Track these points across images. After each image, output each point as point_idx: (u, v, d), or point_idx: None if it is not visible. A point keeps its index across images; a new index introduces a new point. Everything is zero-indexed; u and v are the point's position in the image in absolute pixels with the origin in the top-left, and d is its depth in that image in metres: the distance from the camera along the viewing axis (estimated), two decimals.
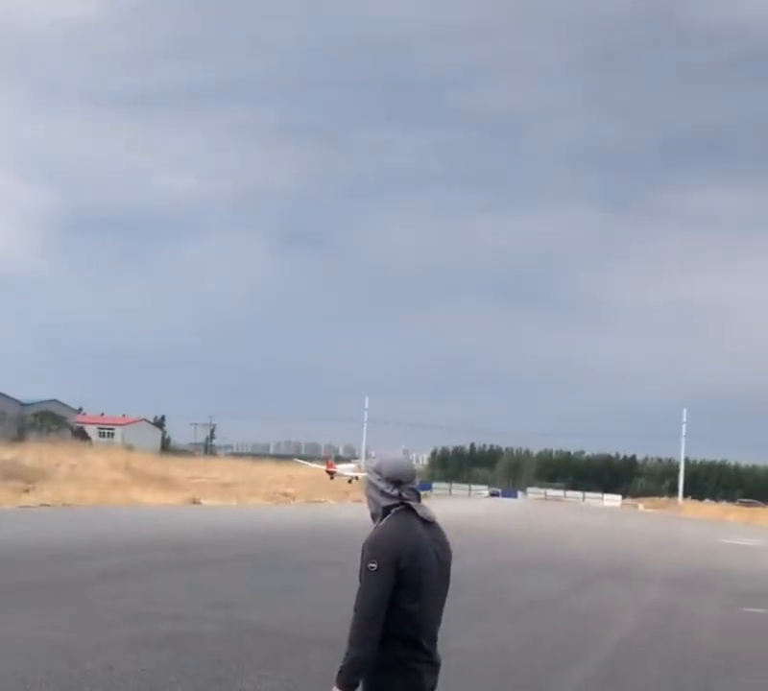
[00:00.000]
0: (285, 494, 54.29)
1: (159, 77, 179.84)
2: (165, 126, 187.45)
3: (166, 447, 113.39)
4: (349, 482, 76.56)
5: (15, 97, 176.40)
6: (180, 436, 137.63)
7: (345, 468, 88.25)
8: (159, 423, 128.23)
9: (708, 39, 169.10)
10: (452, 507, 52.07)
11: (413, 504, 4.28)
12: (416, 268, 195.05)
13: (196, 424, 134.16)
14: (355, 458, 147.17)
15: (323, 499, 54.93)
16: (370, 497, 4.36)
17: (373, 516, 4.35)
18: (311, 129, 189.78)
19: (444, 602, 4.34)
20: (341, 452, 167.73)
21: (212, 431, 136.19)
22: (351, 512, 42.25)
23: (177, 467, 63.26)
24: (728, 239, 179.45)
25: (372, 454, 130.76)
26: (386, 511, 4.29)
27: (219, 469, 72.71)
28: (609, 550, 31.21)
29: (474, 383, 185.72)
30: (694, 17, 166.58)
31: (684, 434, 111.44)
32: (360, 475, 71.72)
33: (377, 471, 4.36)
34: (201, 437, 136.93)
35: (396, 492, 4.28)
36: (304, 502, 52.02)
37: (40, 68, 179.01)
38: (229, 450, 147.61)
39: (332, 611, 11.86)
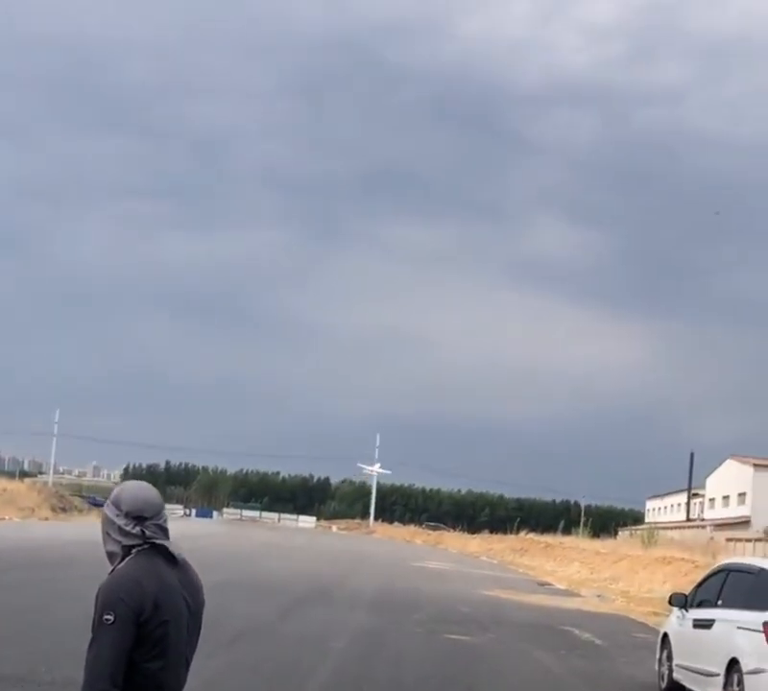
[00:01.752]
0: None
1: None
2: None
3: None
4: None
5: None
6: None
7: None
8: None
9: (404, 80, 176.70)
10: None
11: (160, 542, 3.68)
12: (110, 280, 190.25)
13: None
14: (41, 473, 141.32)
15: (6, 516, 52.15)
16: (106, 534, 3.71)
17: (110, 556, 3.70)
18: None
19: (192, 654, 3.77)
20: (26, 466, 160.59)
21: None
22: (41, 532, 40.29)
23: None
24: (417, 268, 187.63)
25: (61, 469, 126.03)
26: (126, 550, 3.66)
27: None
28: (308, 571, 31.19)
29: (169, 400, 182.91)
30: (396, 58, 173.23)
31: (376, 457, 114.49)
32: None
33: (116, 505, 3.71)
34: None
35: (137, 530, 3.66)
36: None
37: None
38: None
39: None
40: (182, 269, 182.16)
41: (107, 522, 3.73)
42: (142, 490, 3.81)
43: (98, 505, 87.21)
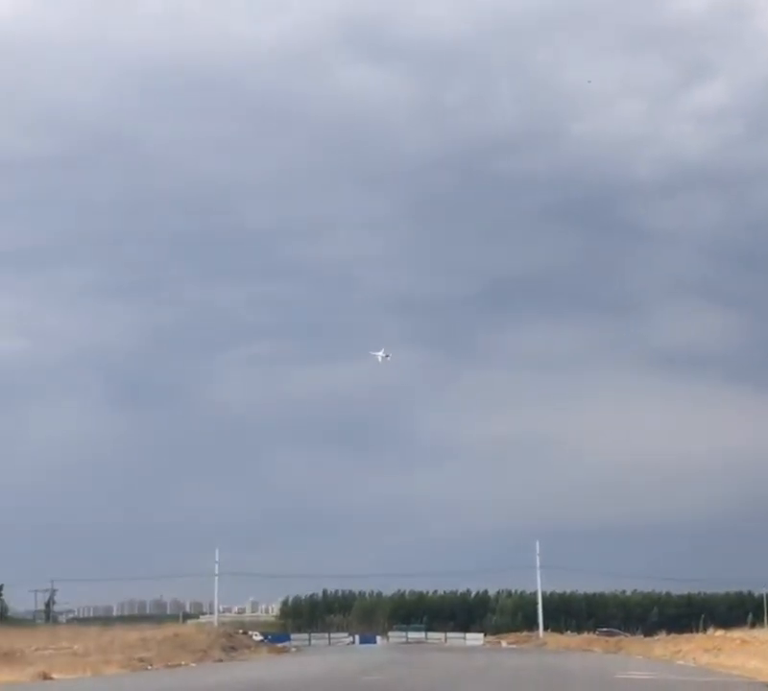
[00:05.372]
0: (141, 660, 51.25)
1: None
2: None
3: (3, 617, 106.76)
4: None
5: None
6: (20, 604, 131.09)
7: None
8: None
9: (520, 188, 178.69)
10: (318, 663, 49.74)
11: None
12: (252, 416, 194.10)
13: (36, 591, 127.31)
14: (203, 613, 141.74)
15: (182, 662, 52.12)
16: None
17: None
18: (137, 284, 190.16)
19: None
20: (188, 608, 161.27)
21: (52, 596, 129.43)
22: (221, 676, 39.91)
23: (20, 639, 59.05)
24: (553, 376, 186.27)
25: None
26: None
27: (67, 638, 68.07)
28: None
29: (319, 528, 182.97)
30: (507, 167, 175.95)
31: (538, 565, 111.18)
32: None
33: None
34: (41, 603, 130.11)
35: None
36: (163, 666, 49.04)
37: None
38: (71, 615, 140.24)
39: None
40: (317, 399, 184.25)
41: None
42: None
43: (278, 642, 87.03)
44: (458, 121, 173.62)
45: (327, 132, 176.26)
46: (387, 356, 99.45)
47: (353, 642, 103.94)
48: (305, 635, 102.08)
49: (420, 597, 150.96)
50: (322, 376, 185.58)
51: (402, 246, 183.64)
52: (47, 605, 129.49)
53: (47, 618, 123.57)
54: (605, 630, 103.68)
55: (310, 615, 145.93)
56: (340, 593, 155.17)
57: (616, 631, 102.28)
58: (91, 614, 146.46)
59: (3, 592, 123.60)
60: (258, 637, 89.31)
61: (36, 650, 53.54)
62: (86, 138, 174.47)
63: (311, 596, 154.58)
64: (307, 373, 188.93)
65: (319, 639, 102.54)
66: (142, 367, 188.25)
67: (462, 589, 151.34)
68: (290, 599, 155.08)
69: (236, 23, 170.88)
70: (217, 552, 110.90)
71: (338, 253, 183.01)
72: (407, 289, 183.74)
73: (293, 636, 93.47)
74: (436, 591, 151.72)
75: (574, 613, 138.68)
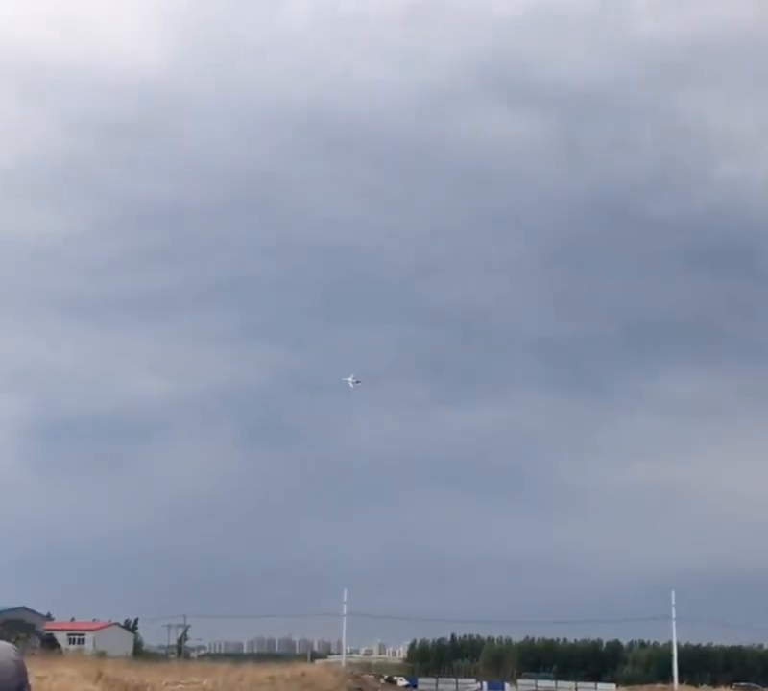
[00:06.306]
0: None
1: (125, 284, 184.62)
2: (134, 330, 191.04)
3: (139, 651, 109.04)
4: None
5: None
6: (152, 638, 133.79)
7: None
8: (131, 626, 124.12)
9: (661, 232, 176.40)
10: None
11: None
12: (385, 458, 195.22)
13: (169, 625, 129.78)
14: (331, 653, 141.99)
15: None
16: None
17: None
18: (274, 328, 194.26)
19: None
20: (316, 648, 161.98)
21: (185, 632, 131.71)
22: None
23: (152, 673, 60.27)
24: (692, 423, 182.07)
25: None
26: None
27: (197, 673, 69.16)
28: None
29: (448, 572, 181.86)
30: (647, 211, 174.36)
31: (674, 616, 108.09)
32: None
33: None
34: (173, 638, 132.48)
35: None
36: None
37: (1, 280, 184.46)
38: (203, 651, 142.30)
39: None
40: (451, 442, 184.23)
41: None
42: None
43: (413, 686, 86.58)
44: (598, 164, 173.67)
45: (466, 176, 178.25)
46: (357, 382, 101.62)
47: (481, 688, 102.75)
48: (432, 680, 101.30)
49: (550, 644, 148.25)
50: (456, 419, 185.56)
51: (541, 288, 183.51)
52: (180, 640, 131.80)
53: (179, 653, 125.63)
54: (743, 684, 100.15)
55: (437, 659, 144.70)
56: (468, 638, 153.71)
57: (755, 685, 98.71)
58: (222, 650, 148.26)
59: (138, 627, 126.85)
60: (404, 682, 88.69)
61: (167, 684, 54.45)
62: (234, 187, 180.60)
63: (439, 640, 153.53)
64: (441, 416, 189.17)
65: (446, 684, 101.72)
66: (277, 406, 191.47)
67: (593, 638, 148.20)
68: (417, 642, 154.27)
69: (377, 70, 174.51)
70: (345, 592, 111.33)
71: (474, 296, 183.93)
72: (544, 332, 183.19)
73: (420, 680, 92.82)
74: (566, 639, 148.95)
75: (710, 666, 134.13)
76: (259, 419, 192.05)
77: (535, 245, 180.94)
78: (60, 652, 79.27)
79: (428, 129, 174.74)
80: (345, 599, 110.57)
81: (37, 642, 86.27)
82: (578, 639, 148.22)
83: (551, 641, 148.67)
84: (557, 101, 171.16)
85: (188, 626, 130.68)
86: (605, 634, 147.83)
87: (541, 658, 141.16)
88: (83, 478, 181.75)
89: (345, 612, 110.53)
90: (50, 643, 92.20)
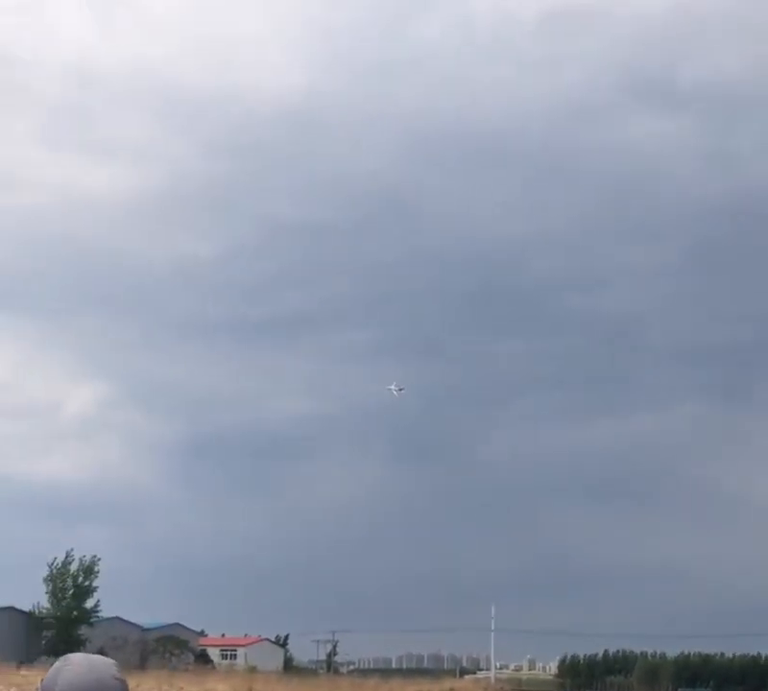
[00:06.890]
0: None
1: (268, 305, 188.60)
2: (277, 351, 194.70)
3: (289, 666, 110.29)
4: None
5: (132, 332, 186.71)
6: (302, 653, 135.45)
7: None
8: (282, 642, 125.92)
9: None
10: None
11: None
12: (531, 471, 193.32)
13: (319, 641, 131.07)
14: (480, 669, 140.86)
15: None
16: None
17: None
18: (417, 342, 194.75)
19: None
20: (464, 663, 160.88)
21: (334, 647, 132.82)
22: None
23: (302, 688, 60.85)
24: None
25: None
26: None
27: (347, 688, 69.67)
28: None
29: (598, 587, 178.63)
30: None
31: None
32: None
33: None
34: (323, 654, 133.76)
35: None
36: None
37: (151, 303, 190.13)
38: (352, 666, 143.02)
39: None
40: (599, 453, 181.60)
41: None
42: (78, 677, 2.88)
43: None
44: (746, 167, 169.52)
45: (611, 184, 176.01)
46: (401, 389, 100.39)
47: None
48: None
49: (707, 659, 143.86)
50: (603, 430, 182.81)
51: (688, 294, 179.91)
52: (329, 655, 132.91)
53: (328, 668, 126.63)
54: None
55: (589, 675, 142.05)
56: (620, 653, 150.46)
57: None
58: (371, 666, 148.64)
59: (288, 642, 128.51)
60: None
61: None
62: (376, 205, 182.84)
63: (591, 656, 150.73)
64: (591, 427, 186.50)
65: None
66: (423, 423, 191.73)
67: (753, 652, 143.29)
68: (568, 657, 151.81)
69: (514, 81, 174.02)
70: (493, 607, 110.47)
71: (621, 303, 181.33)
72: (693, 339, 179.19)
73: None
74: (724, 653, 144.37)
75: None
76: (402, 434, 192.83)
77: (681, 249, 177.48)
78: (213, 667, 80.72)
79: (575, 137, 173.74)
80: (493, 614, 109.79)
81: (191, 658, 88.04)
82: (736, 653, 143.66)
83: (707, 655, 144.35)
84: (703, 105, 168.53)
85: (337, 641, 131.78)
86: (764, 648, 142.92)
87: (698, 673, 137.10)
88: (236, 497, 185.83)
89: (493, 627, 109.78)
90: (203, 658, 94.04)
